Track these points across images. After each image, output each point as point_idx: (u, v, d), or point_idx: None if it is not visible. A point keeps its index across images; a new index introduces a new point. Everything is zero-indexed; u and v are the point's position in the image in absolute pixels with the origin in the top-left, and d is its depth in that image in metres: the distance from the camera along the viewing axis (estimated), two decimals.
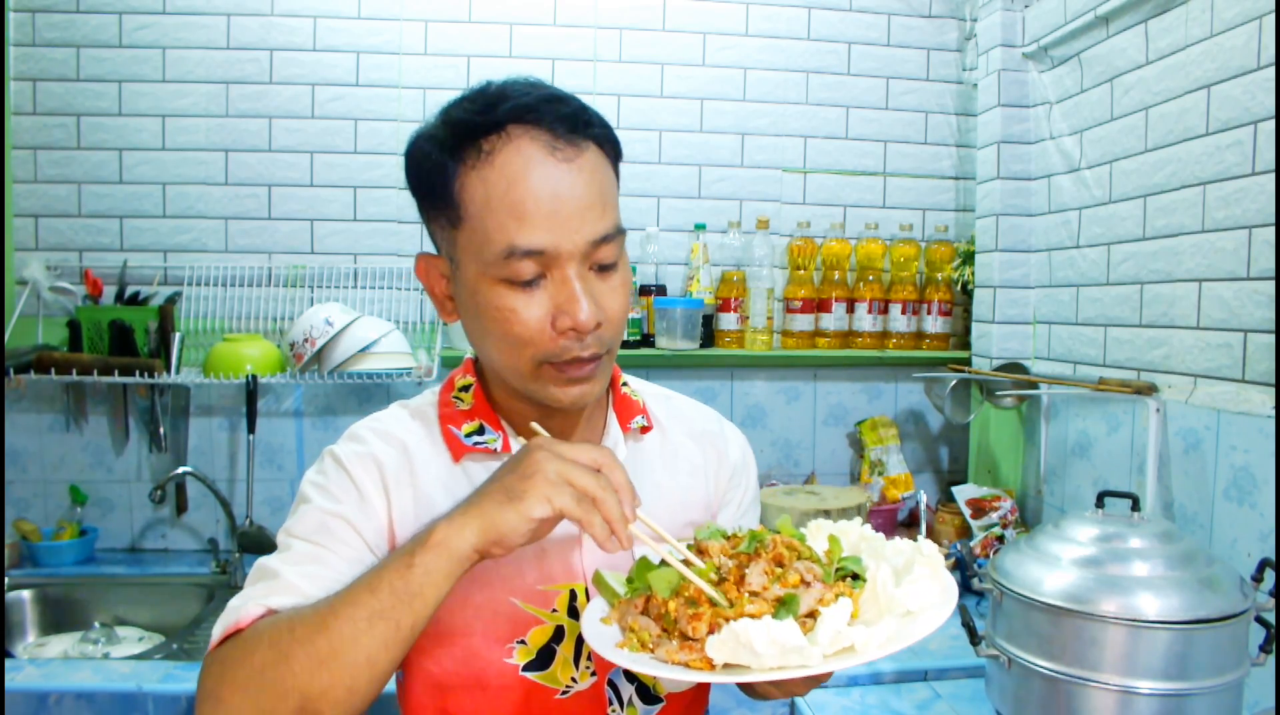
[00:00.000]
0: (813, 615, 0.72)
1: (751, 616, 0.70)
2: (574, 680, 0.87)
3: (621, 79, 2.26)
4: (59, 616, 1.97)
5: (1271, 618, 1.19)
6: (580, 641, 0.87)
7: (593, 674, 0.88)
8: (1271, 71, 1.40)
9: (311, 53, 2.18)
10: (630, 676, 0.90)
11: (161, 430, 2.14)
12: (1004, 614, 1.27)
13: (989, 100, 2.14)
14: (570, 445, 0.73)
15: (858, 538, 0.83)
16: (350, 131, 2.21)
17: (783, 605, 0.72)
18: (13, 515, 2.12)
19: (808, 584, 0.74)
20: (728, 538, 0.82)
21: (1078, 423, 1.91)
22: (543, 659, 0.87)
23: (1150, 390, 1.65)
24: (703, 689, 0.99)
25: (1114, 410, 1.79)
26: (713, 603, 0.73)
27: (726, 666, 0.69)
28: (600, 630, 0.78)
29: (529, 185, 0.75)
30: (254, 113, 2.18)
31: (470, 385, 0.91)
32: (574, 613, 0.87)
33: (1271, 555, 1.34)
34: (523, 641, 0.86)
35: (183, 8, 2.14)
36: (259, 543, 2.03)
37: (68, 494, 2.15)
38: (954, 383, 2.14)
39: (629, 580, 0.82)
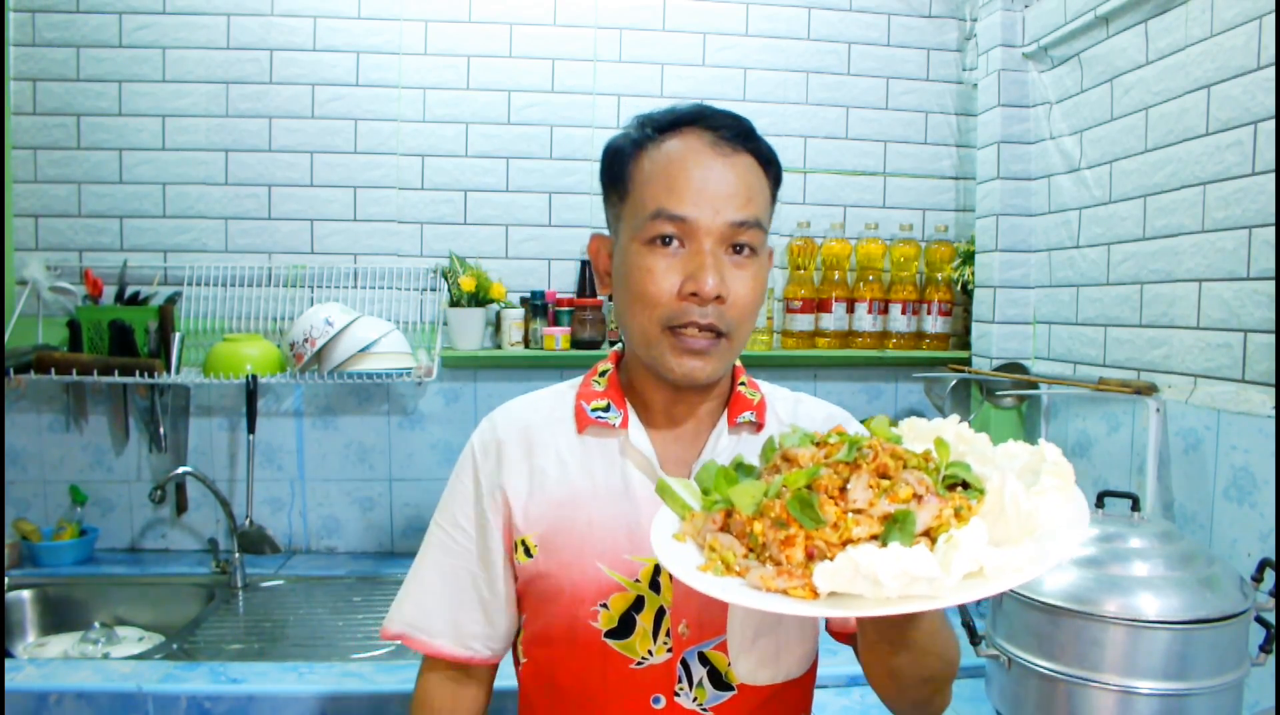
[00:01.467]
0: (928, 534, 0.63)
1: (855, 541, 0.62)
2: (650, 653, 0.92)
3: (621, 79, 2.26)
4: (59, 616, 1.97)
5: (1271, 618, 1.19)
6: (660, 615, 0.92)
7: (669, 650, 0.92)
8: (1271, 71, 1.40)
9: (311, 53, 2.18)
10: (704, 659, 0.93)
11: (161, 430, 2.14)
12: (1004, 614, 1.27)
13: (989, 100, 2.14)
14: None
15: (954, 438, 0.72)
16: (350, 131, 2.21)
17: (894, 524, 0.62)
18: (13, 515, 2.12)
19: (919, 498, 0.64)
20: (818, 445, 0.72)
21: (1078, 423, 1.91)
22: (624, 627, 0.92)
23: (1150, 390, 1.65)
24: (793, 689, 0.97)
25: (1114, 410, 1.79)
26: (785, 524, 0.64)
27: (833, 596, 0.61)
28: (676, 549, 0.70)
29: (685, 165, 0.88)
30: (254, 113, 2.18)
31: (608, 371, 1.01)
32: (656, 586, 0.92)
33: (1271, 555, 1.34)
34: (605, 606, 0.92)
35: (183, 8, 2.14)
36: (259, 543, 2.03)
37: (68, 494, 2.15)
38: (954, 383, 2.14)
39: (704, 492, 0.74)
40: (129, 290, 2.14)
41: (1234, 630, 1.14)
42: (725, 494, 0.70)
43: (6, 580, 1.96)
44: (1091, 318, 1.89)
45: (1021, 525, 0.62)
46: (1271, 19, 1.40)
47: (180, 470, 2.04)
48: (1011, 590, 1.22)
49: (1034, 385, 2.00)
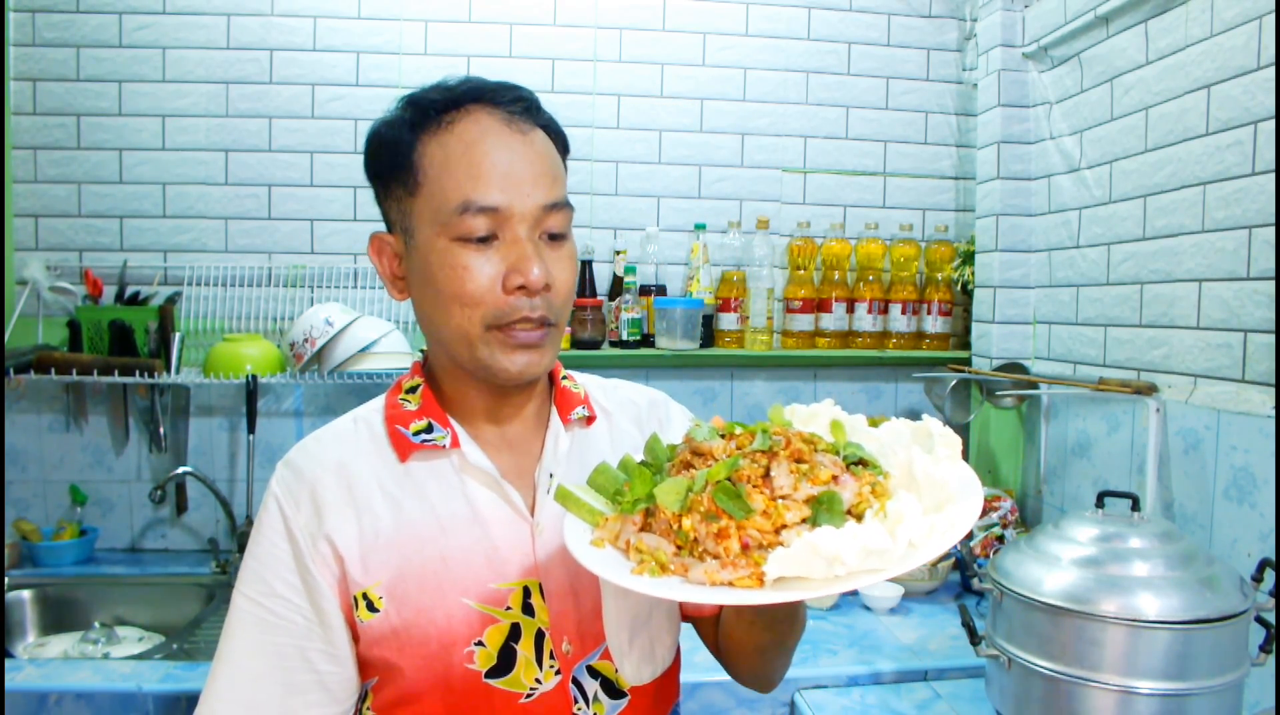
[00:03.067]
0: (849, 512, 0.65)
1: (788, 526, 0.64)
2: (538, 682, 0.85)
3: (621, 79, 2.26)
4: (59, 616, 1.97)
5: (1271, 618, 1.19)
6: (540, 638, 0.85)
7: (557, 672, 0.85)
8: (1271, 71, 1.40)
9: (311, 53, 2.18)
10: (594, 672, 0.87)
11: (161, 430, 2.14)
12: (1004, 614, 1.27)
13: (989, 100, 2.14)
14: None
15: (830, 421, 0.76)
16: (350, 131, 2.21)
17: (820, 506, 0.65)
18: (13, 515, 2.12)
19: (835, 478, 0.67)
20: (725, 437, 0.73)
21: (1078, 423, 1.91)
22: (505, 662, 0.84)
23: (1150, 390, 1.65)
24: (668, 679, 0.96)
25: (1114, 410, 1.79)
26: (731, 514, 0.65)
27: (780, 581, 0.62)
28: (600, 557, 0.68)
29: (485, 149, 0.81)
30: (254, 113, 2.18)
31: (418, 386, 0.91)
32: (529, 609, 0.85)
33: (1271, 555, 1.34)
34: (480, 643, 0.83)
35: (183, 8, 2.14)
36: None
37: (68, 494, 2.15)
38: (954, 383, 2.14)
39: (616, 494, 0.73)
40: (129, 290, 2.14)
41: (1234, 630, 1.14)
42: (645, 493, 0.70)
43: (6, 580, 1.96)
44: (1091, 318, 1.89)
45: (934, 494, 0.66)
46: (1271, 19, 1.40)
47: (180, 470, 2.04)
48: (1011, 590, 1.23)
49: (1034, 385, 2.00)
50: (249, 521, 2.05)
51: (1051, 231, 2.04)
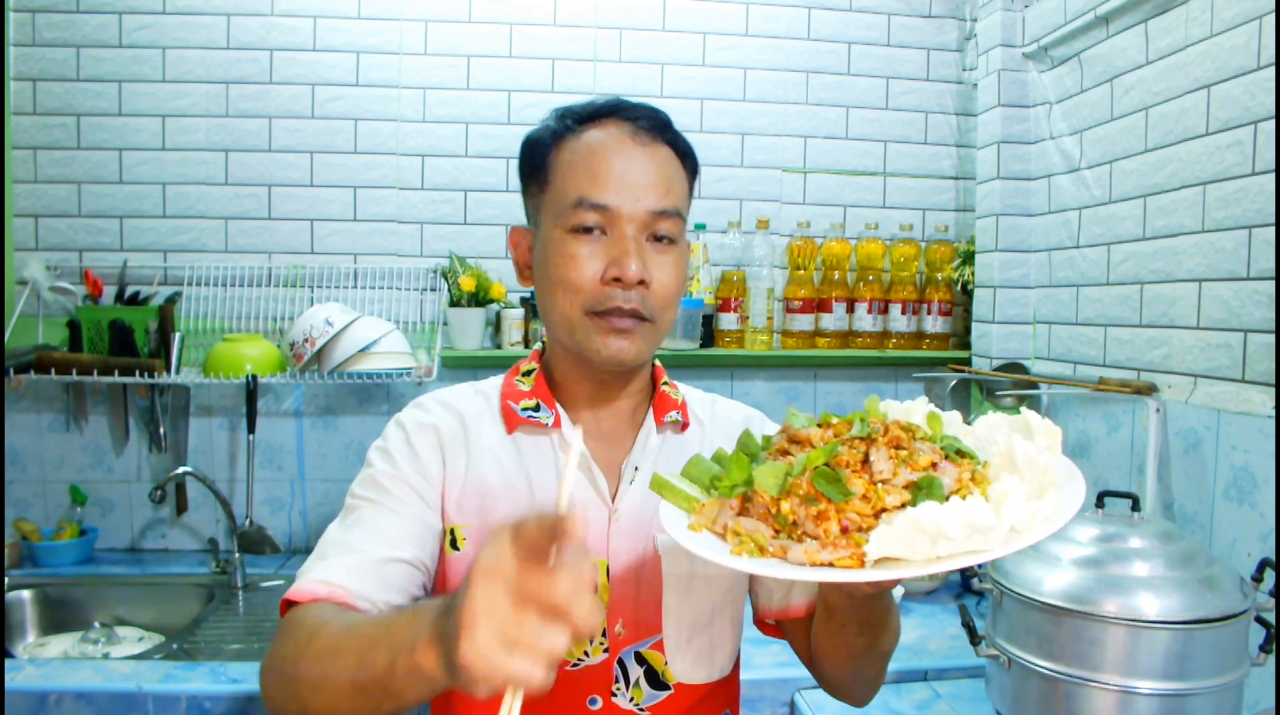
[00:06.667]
0: (947, 499, 0.66)
1: (888, 510, 0.64)
2: (586, 654, 0.91)
3: (621, 79, 2.26)
4: (59, 616, 1.97)
5: (1271, 618, 1.19)
6: None
7: (605, 650, 0.91)
8: (1271, 71, 1.40)
9: (311, 53, 2.18)
10: (640, 659, 0.92)
11: (161, 430, 2.14)
12: (1004, 614, 1.27)
13: (989, 100, 2.14)
14: (536, 573, 0.54)
15: (927, 414, 0.78)
16: (350, 131, 2.21)
17: (920, 491, 0.65)
18: (13, 515, 2.12)
19: (935, 465, 0.68)
20: (822, 426, 0.74)
21: (1078, 423, 1.91)
22: None
23: (1150, 390, 1.65)
24: (723, 686, 0.98)
25: (1114, 410, 1.79)
26: (829, 497, 0.65)
27: (881, 562, 0.63)
28: (700, 540, 0.69)
29: (606, 154, 0.89)
30: (254, 113, 2.18)
31: (533, 371, 1.00)
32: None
33: (1271, 555, 1.34)
34: None
35: (183, 8, 2.14)
36: (259, 543, 2.03)
37: (68, 494, 2.15)
38: (954, 383, 2.14)
39: (714, 480, 0.75)
40: (129, 290, 2.14)
41: (1234, 630, 1.14)
42: (743, 478, 0.71)
43: (6, 580, 1.96)
44: (1091, 318, 1.89)
45: (1036, 480, 0.66)
46: (1271, 19, 1.40)
47: (180, 470, 2.04)
48: (1011, 590, 1.23)
49: (1034, 385, 2.00)
50: (249, 521, 2.05)
51: (1051, 231, 2.04)
